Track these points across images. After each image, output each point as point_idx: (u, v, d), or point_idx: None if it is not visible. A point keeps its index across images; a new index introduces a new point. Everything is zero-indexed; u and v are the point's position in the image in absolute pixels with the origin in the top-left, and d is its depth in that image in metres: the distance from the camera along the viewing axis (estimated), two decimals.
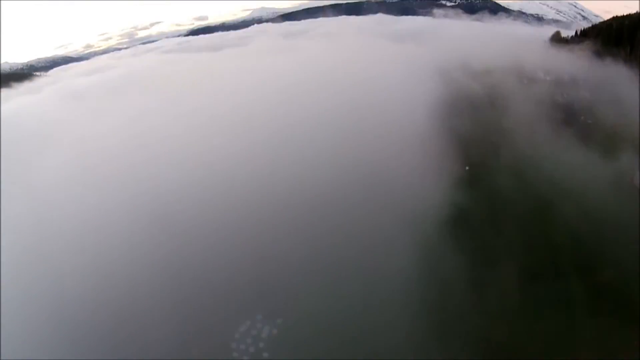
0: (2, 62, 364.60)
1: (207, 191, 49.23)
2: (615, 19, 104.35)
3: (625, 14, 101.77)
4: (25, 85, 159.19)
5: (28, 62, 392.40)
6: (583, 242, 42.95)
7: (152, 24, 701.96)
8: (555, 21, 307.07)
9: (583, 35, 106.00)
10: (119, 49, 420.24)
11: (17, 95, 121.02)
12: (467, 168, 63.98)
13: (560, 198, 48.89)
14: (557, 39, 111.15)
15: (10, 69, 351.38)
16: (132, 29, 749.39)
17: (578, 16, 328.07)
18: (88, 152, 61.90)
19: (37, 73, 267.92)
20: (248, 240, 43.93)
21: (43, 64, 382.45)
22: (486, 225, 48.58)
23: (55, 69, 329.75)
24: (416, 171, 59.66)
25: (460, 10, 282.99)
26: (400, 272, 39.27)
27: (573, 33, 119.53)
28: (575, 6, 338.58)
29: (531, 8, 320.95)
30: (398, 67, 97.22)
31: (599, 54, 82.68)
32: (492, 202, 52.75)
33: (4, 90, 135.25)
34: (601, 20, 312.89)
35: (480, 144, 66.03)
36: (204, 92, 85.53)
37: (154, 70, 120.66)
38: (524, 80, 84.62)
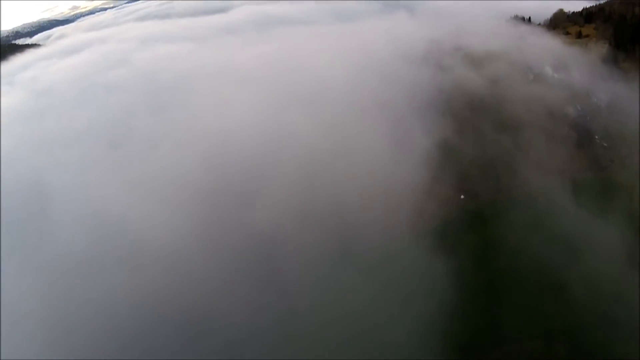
0: None
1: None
2: (624, 2, 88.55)
3: None
4: None
5: (13, 28, 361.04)
6: (589, 332, 35.31)
7: None
8: None
9: (588, 16, 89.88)
10: (105, 9, 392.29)
11: None
12: (462, 197, 53.74)
13: (570, 267, 39.29)
14: (560, 18, 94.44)
15: None
16: None
17: None
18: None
19: (21, 41, 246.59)
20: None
21: (28, 29, 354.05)
22: (480, 292, 40.10)
23: (40, 34, 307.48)
24: (400, 197, 49.87)
25: None
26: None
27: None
28: None
29: None
30: (386, 54, 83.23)
31: (612, 53, 67.99)
32: (488, 259, 43.10)
33: None
34: None
35: (479, 166, 54.91)
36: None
37: (125, 53, 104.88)
38: (529, 75, 70.59)
